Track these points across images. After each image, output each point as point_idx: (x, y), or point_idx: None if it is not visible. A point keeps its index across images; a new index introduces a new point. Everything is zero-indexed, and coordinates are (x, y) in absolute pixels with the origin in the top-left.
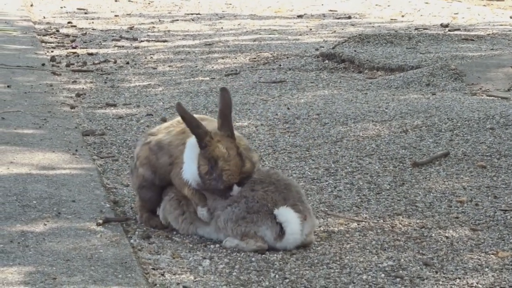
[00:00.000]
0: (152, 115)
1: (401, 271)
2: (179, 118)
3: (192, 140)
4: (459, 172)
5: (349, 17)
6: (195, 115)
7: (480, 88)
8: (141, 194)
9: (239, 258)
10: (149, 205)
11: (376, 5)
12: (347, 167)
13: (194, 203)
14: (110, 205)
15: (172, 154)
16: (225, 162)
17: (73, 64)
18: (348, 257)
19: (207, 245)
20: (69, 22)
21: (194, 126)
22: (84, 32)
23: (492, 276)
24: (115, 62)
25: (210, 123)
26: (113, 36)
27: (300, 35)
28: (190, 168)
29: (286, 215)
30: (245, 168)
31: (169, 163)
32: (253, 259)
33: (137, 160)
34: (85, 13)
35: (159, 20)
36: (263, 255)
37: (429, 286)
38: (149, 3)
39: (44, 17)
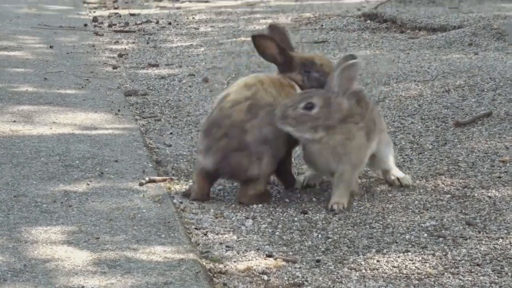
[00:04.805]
0: (194, 75)
1: (443, 231)
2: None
3: None
4: (501, 132)
5: None
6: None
7: None
8: None
9: (281, 218)
10: None
11: None
12: (390, 127)
13: None
14: (152, 165)
15: None
16: None
17: (115, 24)
18: (390, 216)
19: (250, 205)
20: None
21: None
22: None
23: None
24: (157, 22)
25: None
26: None
27: None
28: None
29: None
30: None
31: None
32: (295, 218)
33: None
34: None
35: None
36: (306, 215)
37: (471, 245)
38: None
39: None
